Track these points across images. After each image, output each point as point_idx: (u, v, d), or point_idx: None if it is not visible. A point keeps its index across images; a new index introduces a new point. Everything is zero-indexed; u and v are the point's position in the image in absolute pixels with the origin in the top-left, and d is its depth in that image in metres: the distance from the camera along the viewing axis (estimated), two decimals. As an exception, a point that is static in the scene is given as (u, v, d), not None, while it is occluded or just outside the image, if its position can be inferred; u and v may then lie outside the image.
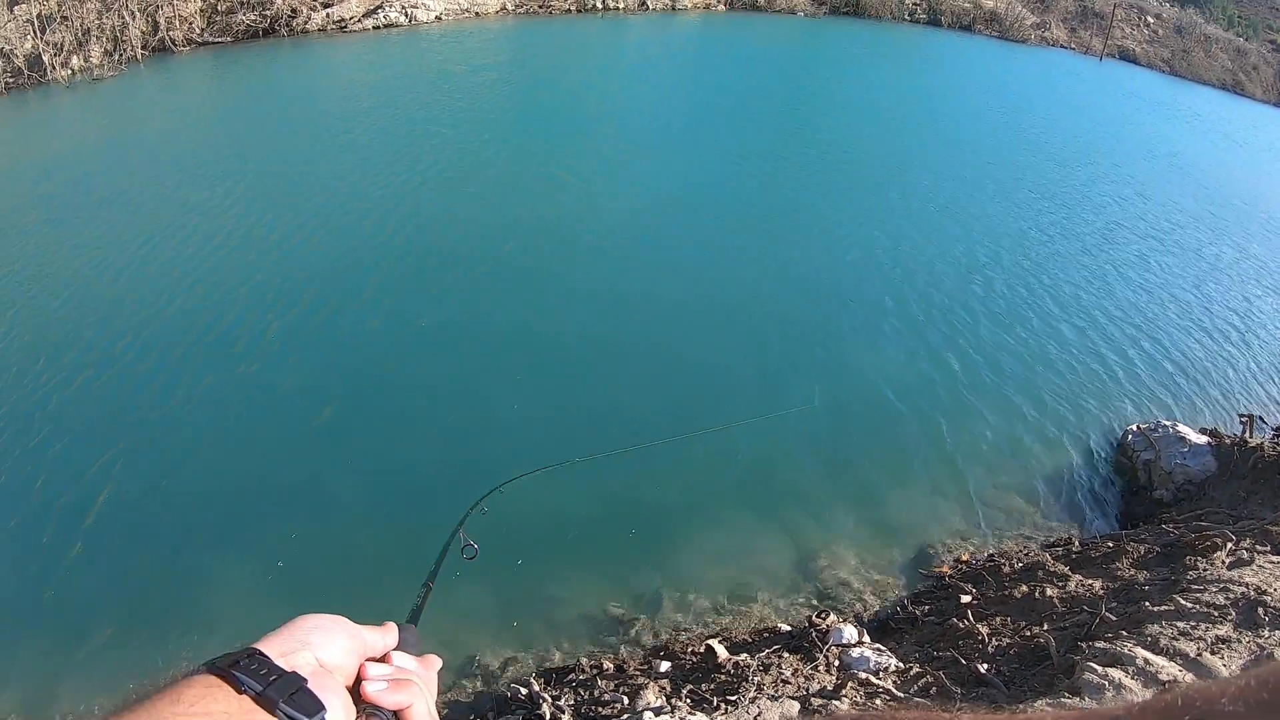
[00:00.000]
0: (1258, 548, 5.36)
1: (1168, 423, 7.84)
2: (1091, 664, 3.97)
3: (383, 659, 0.83)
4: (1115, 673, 3.85)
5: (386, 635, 0.85)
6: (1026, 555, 6.06)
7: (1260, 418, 8.42)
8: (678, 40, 22.76)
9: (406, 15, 22.30)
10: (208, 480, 6.71)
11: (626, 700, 4.66)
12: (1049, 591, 5.18)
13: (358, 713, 0.75)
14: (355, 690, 0.77)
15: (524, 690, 5.05)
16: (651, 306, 9.44)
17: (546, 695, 4.93)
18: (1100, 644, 4.23)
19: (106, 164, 13.24)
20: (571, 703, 4.83)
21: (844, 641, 4.93)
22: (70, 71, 17.83)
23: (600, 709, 4.66)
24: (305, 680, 0.69)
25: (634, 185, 13.03)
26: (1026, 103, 19.82)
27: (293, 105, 16.82)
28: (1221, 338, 10.42)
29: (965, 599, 5.35)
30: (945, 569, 5.97)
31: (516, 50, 20.61)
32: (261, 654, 0.70)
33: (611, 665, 5.24)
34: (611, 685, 4.88)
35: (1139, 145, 18.06)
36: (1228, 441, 7.47)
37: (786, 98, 18.52)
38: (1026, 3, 25.47)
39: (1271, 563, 5.05)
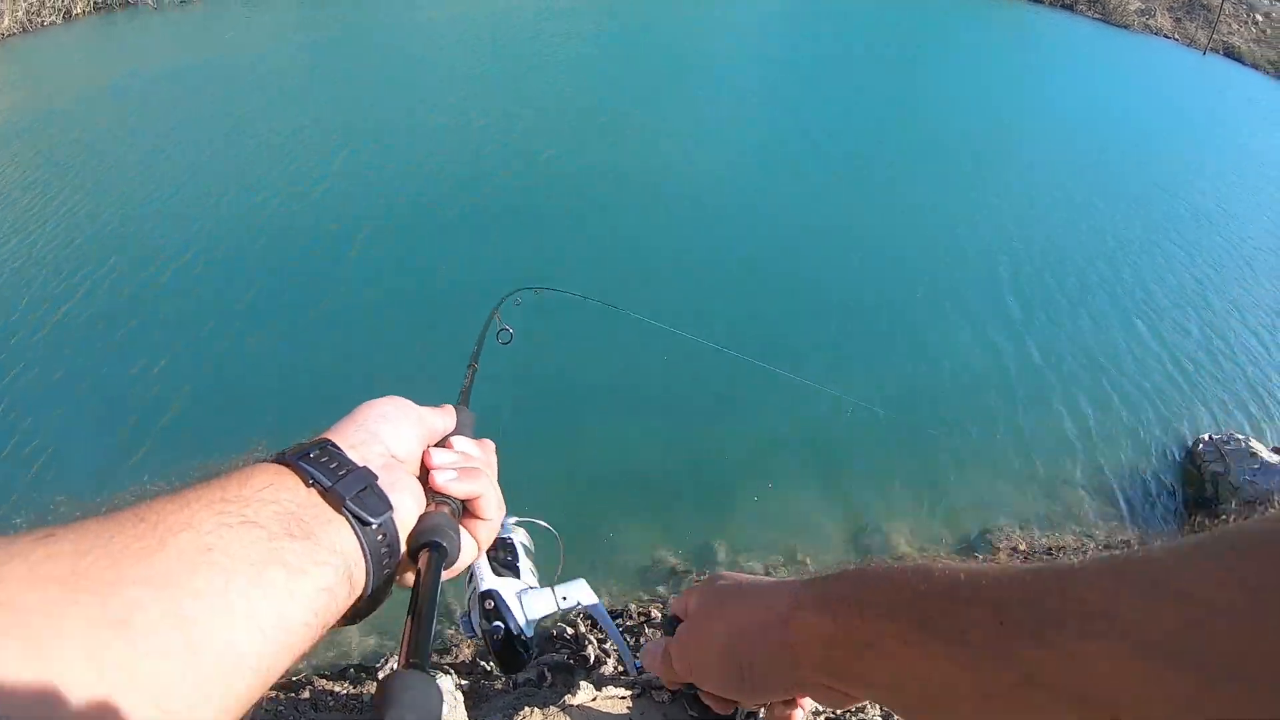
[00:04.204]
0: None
1: (1241, 436, 7.61)
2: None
3: (444, 443, 0.81)
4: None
5: (446, 418, 0.84)
6: (1083, 551, 5.97)
7: (1337, 439, 8.14)
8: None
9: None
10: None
11: (672, 650, 4.69)
12: (1105, 590, 5.09)
13: (427, 502, 0.74)
14: (421, 478, 0.75)
15: (570, 630, 5.12)
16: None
17: (592, 638, 4.99)
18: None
19: (191, 86, 13.49)
20: (617, 648, 4.87)
21: (891, 617, 4.91)
22: (159, -7, 18.08)
23: (646, 656, 4.69)
24: (375, 478, 0.67)
25: (719, 135, 13.04)
26: (1129, 95, 19.10)
27: (379, 37, 16.91)
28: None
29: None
30: (1000, 555, 5.93)
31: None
32: (333, 445, 0.68)
33: (659, 615, 5.31)
34: (658, 634, 4.92)
35: (1241, 151, 17.29)
36: (1300, 462, 7.24)
37: (877, 66, 18.09)
38: (1133, -13, 24.43)
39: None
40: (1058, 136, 15.65)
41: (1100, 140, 15.81)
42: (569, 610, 0.91)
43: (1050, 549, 6.02)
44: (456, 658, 5.01)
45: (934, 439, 7.17)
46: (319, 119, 12.24)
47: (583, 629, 5.32)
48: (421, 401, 0.84)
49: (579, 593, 0.93)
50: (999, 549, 6.03)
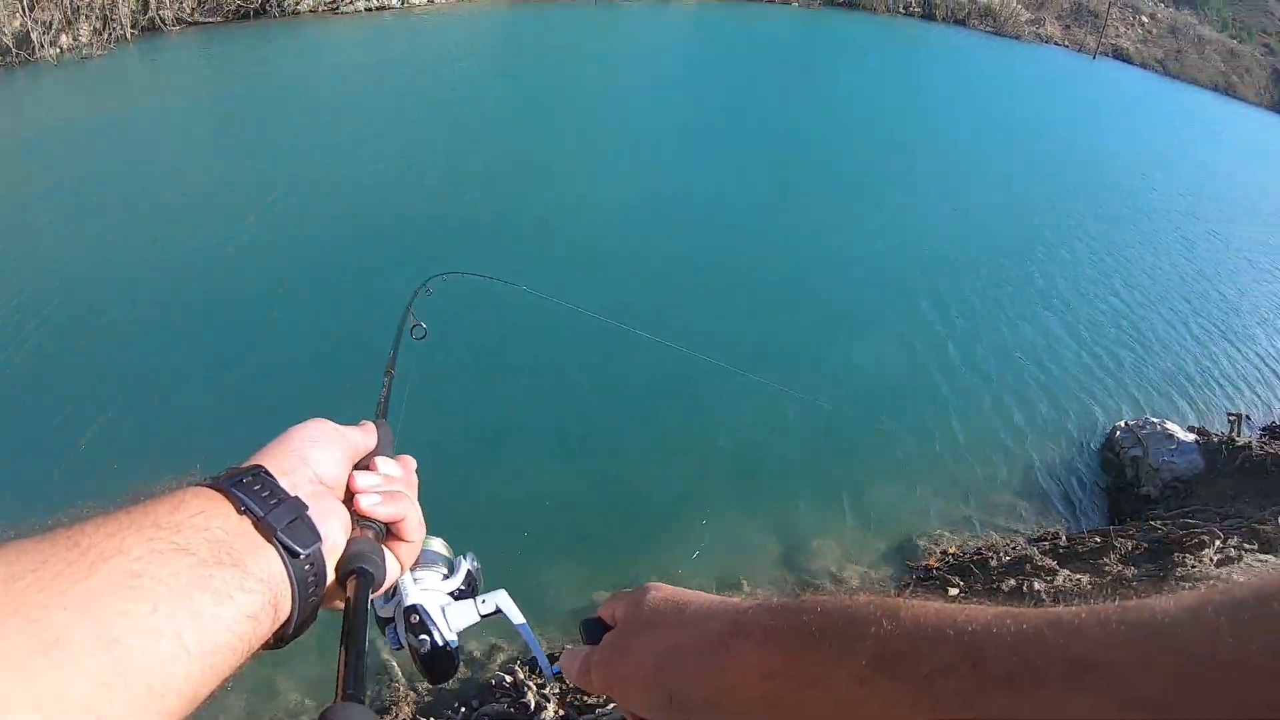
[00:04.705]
0: (1245, 546, 5.37)
1: (1156, 420, 7.85)
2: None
3: (367, 464, 0.83)
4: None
5: (368, 435, 0.85)
6: (1014, 549, 6.04)
7: (1247, 417, 8.46)
8: (675, 30, 22.68)
9: (399, -2, 22.10)
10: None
11: (611, 690, 4.61)
12: (1037, 585, 5.16)
13: (353, 525, 0.74)
14: (346, 500, 0.77)
15: (509, 678, 5.02)
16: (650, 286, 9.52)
17: (531, 684, 4.89)
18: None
19: (92, 145, 13.08)
20: (556, 691, 4.79)
21: (830, 633, 4.89)
22: (59, 50, 17.53)
23: (585, 698, 4.62)
24: (306, 508, 0.68)
25: (634, 173, 13.03)
26: (1023, 101, 19.87)
27: (281, 89, 16.67)
28: (1209, 338, 10.46)
29: (953, 591, 5.33)
30: (932, 561, 5.95)
31: (511, 36, 20.52)
32: (266, 472, 0.69)
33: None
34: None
35: (1131, 144, 18.10)
36: (1215, 440, 7.49)
37: (791, 92, 18.49)
38: (1022, -1, 25.52)
39: (1259, 561, 5.06)
40: (964, 147, 16.15)
41: (1005, 148, 16.37)
42: (489, 616, 0.92)
43: (980, 549, 6.07)
44: (397, 717, 4.87)
45: (860, 451, 7.21)
46: (225, 164, 11.99)
47: (521, 675, 5.21)
48: (343, 417, 0.85)
49: (498, 601, 0.93)
50: (930, 554, 6.06)
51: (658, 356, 7.45)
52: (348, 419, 0.85)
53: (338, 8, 21.27)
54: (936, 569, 5.83)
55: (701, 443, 7.12)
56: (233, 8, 20.27)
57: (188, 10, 19.80)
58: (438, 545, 0.95)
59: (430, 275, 2.05)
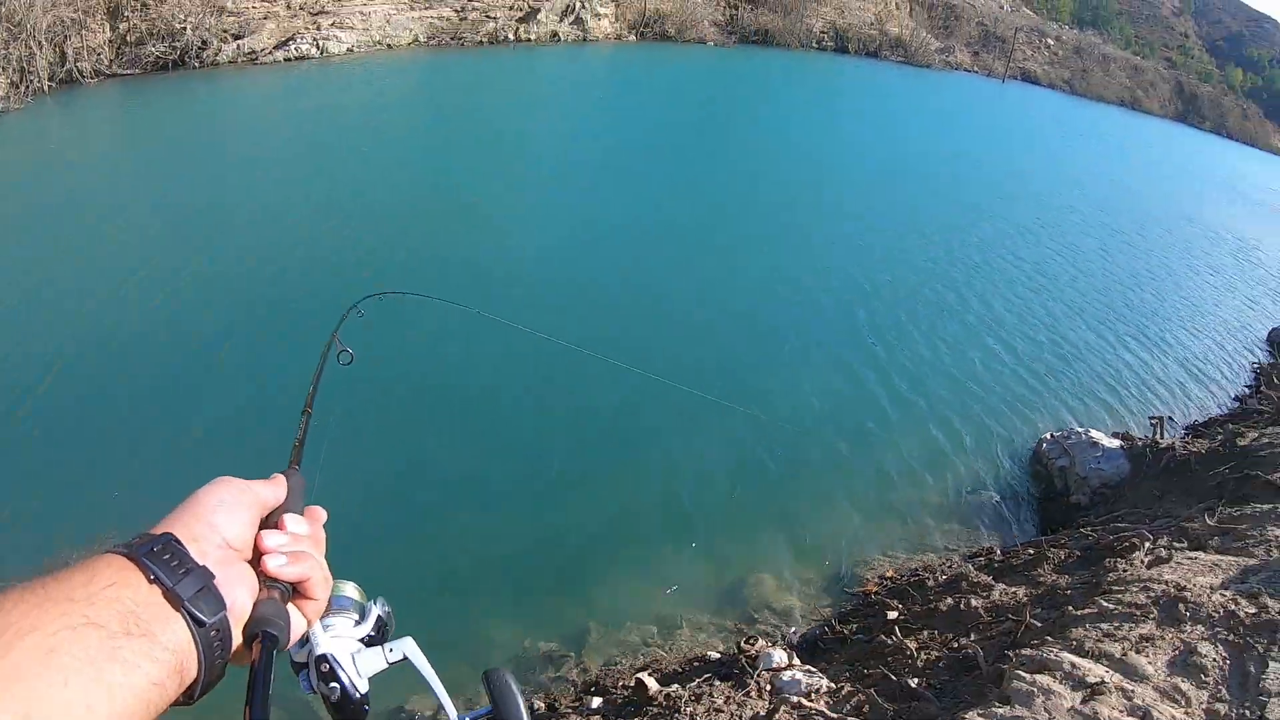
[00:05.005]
0: (1175, 545, 5.46)
1: (1080, 429, 8.03)
2: (1020, 671, 3.94)
3: (276, 521, 0.85)
4: (1044, 679, 3.83)
5: (277, 489, 0.88)
6: (949, 567, 6.07)
7: (1170, 418, 8.71)
8: (591, 71, 22.92)
9: (318, 47, 21.92)
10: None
11: (557, 739, 4.50)
12: (974, 602, 5.17)
13: (260, 585, 0.77)
14: (254, 559, 0.79)
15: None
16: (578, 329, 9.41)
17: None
18: (1027, 651, 4.21)
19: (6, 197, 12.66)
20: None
21: (774, 665, 4.83)
22: (-25, 104, 17.02)
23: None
24: (214, 577, 0.71)
25: (558, 216, 12.99)
26: (939, 128, 20.44)
27: (200, 140, 16.33)
28: (1135, 344, 10.78)
29: (892, 615, 5.32)
30: (870, 586, 5.94)
31: (430, 83, 20.52)
32: (175, 541, 0.71)
33: (543, 704, 5.07)
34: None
35: (1046, 163, 18.71)
36: (1139, 443, 7.67)
37: (706, 129, 18.74)
38: (931, 29, 26.35)
39: (1189, 559, 5.15)
40: (885, 177, 16.54)
41: (924, 175, 16.79)
42: (396, 664, 0.94)
43: (917, 570, 6.09)
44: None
45: (797, 481, 7.21)
46: (143, 213, 11.66)
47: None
48: (261, 461, 0.91)
49: (405, 649, 0.95)
50: (868, 579, 6.05)
51: (598, 382, 7.57)
52: (268, 459, 0.91)
53: (257, 58, 21.04)
54: (875, 594, 5.82)
55: (639, 475, 7.07)
56: (151, 59, 19.90)
57: (106, 63, 19.37)
58: (350, 590, 0.97)
59: (363, 296, 2.06)
